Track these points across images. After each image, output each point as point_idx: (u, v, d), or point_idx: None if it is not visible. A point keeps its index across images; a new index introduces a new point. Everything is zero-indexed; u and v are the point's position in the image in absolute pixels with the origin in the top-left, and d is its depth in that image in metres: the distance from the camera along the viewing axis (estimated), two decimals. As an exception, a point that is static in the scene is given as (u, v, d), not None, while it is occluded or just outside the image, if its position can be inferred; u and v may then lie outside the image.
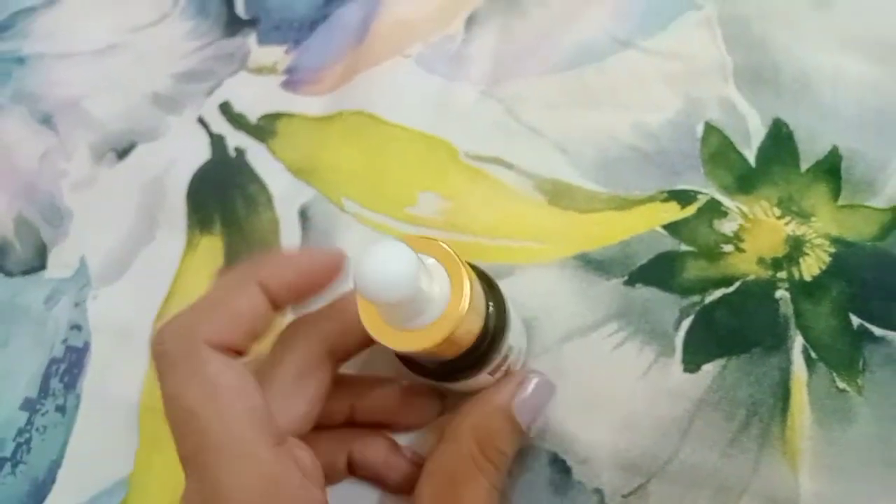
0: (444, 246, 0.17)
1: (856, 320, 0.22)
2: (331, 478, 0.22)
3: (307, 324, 0.21)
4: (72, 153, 0.33)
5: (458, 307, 0.16)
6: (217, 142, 0.31)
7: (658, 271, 0.24)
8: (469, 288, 0.17)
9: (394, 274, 0.15)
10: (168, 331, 0.19)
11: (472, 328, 0.18)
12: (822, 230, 0.23)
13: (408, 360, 0.20)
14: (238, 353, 0.19)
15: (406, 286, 0.15)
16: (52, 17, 0.38)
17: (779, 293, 0.23)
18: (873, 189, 0.24)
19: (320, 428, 0.21)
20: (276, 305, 0.20)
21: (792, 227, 0.24)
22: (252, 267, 0.20)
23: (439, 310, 0.16)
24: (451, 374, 0.20)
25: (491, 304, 0.19)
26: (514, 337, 0.21)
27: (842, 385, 0.21)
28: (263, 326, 0.20)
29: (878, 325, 0.22)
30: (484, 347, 0.19)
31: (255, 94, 0.31)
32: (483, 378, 0.20)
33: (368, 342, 0.19)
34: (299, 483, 0.17)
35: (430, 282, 0.16)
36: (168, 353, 0.18)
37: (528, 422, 0.21)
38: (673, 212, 0.25)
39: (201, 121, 0.31)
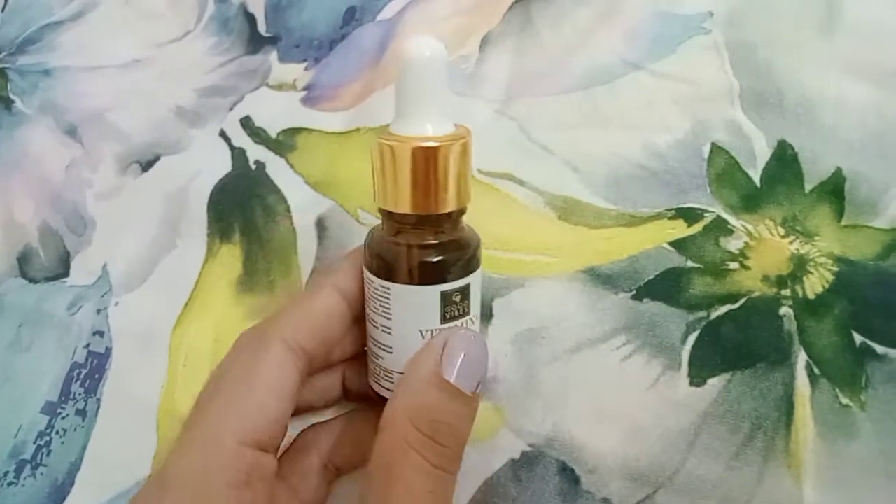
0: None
1: (858, 338, 0.23)
2: (327, 402, 0.23)
3: (264, 322, 0.22)
4: (97, 164, 0.34)
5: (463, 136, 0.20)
6: (238, 155, 0.32)
7: (665, 287, 0.24)
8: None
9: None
10: (251, 328, 0.20)
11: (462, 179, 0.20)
12: (825, 249, 0.24)
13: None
14: (310, 356, 0.20)
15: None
16: (79, 31, 0.40)
17: (783, 310, 0.23)
18: (876, 210, 0.25)
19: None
20: (354, 309, 0.21)
21: (796, 246, 0.24)
22: (329, 272, 0.21)
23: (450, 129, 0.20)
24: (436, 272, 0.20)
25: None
26: (476, 306, 0.22)
27: (844, 400, 0.22)
28: (338, 328, 0.21)
29: (881, 343, 0.22)
30: (469, 249, 0.21)
31: (275, 110, 0.32)
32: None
33: (338, 330, 0.21)
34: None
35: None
36: (239, 341, 0.20)
37: (469, 384, 0.19)
38: (680, 229, 0.25)
39: (223, 134, 0.32)
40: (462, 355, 0.19)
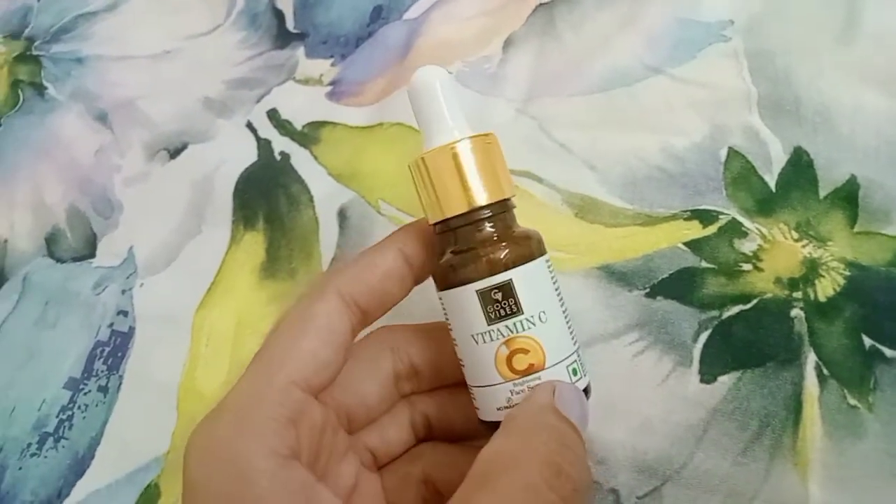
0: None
1: (868, 341, 0.23)
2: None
3: (325, 274, 0.22)
4: (125, 150, 0.35)
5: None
6: (264, 145, 0.32)
7: (679, 285, 0.25)
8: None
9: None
10: (317, 277, 0.21)
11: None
12: (837, 254, 0.24)
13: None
14: (364, 313, 0.21)
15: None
16: (112, 22, 0.41)
17: (794, 312, 0.24)
18: (889, 218, 0.25)
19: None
20: (418, 272, 0.21)
21: (809, 250, 0.25)
22: (394, 233, 0.22)
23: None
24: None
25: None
26: (533, 305, 0.20)
27: (852, 401, 0.22)
28: (396, 288, 0.21)
29: (890, 347, 0.23)
30: (500, 245, 0.20)
31: (301, 103, 0.33)
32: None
33: (397, 289, 0.21)
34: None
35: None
36: (305, 290, 0.21)
37: (581, 426, 0.19)
38: (695, 230, 0.26)
39: (250, 125, 0.33)
40: (570, 397, 0.19)
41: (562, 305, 0.21)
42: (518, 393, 0.20)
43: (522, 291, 0.20)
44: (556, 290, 0.21)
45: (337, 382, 0.21)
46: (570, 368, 0.20)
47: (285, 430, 0.18)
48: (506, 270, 0.20)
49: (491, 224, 0.21)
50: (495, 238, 0.20)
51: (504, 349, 0.20)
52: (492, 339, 0.20)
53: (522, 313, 0.20)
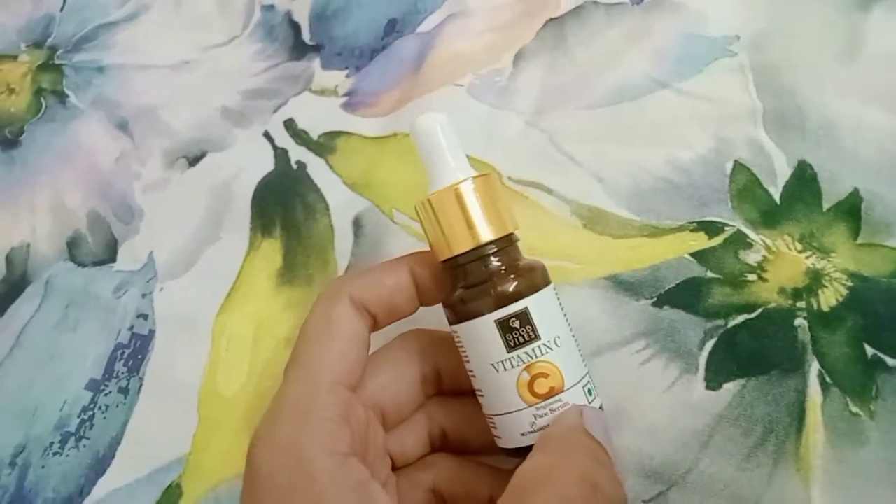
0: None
1: (870, 350, 0.24)
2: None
3: (336, 280, 0.23)
4: (146, 157, 0.36)
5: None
6: (281, 155, 0.33)
7: (685, 295, 0.26)
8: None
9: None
10: (328, 284, 0.22)
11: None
12: (840, 265, 0.25)
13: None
14: (374, 318, 0.22)
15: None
16: (132, 31, 0.42)
17: (797, 321, 0.24)
18: (891, 230, 0.26)
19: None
20: (423, 296, 0.23)
21: (812, 261, 0.25)
22: (408, 254, 0.23)
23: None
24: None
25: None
26: (550, 331, 0.21)
27: (854, 409, 0.23)
28: (404, 304, 0.22)
29: (891, 356, 0.23)
30: (512, 275, 0.21)
31: (317, 114, 0.34)
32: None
33: (405, 305, 0.22)
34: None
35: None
36: (318, 296, 0.22)
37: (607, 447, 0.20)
38: (701, 241, 0.27)
39: (267, 135, 0.34)
40: (598, 421, 0.21)
41: (570, 330, 0.22)
42: (541, 416, 0.21)
43: (538, 318, 0.21)
44: (565, 315, 0.22)
45: (372, 382, 0.22)
46: (586, 388, 0.22)
47: (340, 428, 0.19)
48: (520, 299, 0.21)
49: (497, 258, 0.22)
50: (503, 270, 0.21)
51: (525, 374, 0.21)
52: (512, 367, 0.21)
53: (540, 339, 0.21)
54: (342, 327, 0.21)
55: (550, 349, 0.21)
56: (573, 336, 0.22)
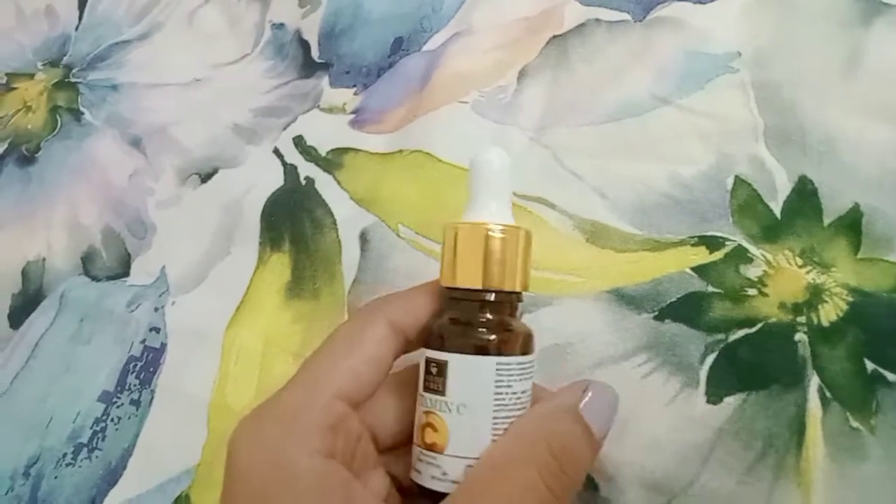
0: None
1: (870, 365, 0.24)
2: None
3: (377, 300, 0.24)
4: (159, 174, 0.37)
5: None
6: (290, 171, 0.34)
7: (686, 309, 0.26)
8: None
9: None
10: (369, 303, 0.23)
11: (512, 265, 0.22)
12: (841, 280, 0.25)
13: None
14: (408, 341, 0.22)
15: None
16: (145, 50, 0.43)
17: (798, 336, 0.25)
18: (891, 245, 0.26)
19: None
20: None
21: (813, 276, 0.26)
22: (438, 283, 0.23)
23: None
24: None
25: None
26: (460, 394, 0.21)
27: (855, 424, 0.23)
28: None
29: (892, 371, 0.23)
30: (459, 328, 0.21)
31: (325, 130, 0.35)
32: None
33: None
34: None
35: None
36: (355, 313, 0.23)
37: (599, 429, 0.21)
38: (702, 255, 0.27)
39: (276, 151, 0.35)
40: (599, 400, 0.21)
41: (498, 413, 0.21)
42: (420, 461, 0.21)
43: (454, 377, 0.21)
44: (501, 397, 0.21)
45: (371, 404, 0.22)
46: (469, 468, 0.20)
47: (327, 434, 0.20)
48: (450, 352, 0.21)
49: (489, 310, 0.22)
50: (482, 322, 0.21)
51: (423, 417, 0.21)
52: (420, 404, 0.21)
53: (443, 395, 0.21)
54: (366, 346, 0.21)
55: (449, 411, 0.20)
56: (497, 423, 0.21)
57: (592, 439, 0.21)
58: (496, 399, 0.21)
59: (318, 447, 0.19)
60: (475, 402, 0.20)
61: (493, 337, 0.21)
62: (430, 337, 0.22)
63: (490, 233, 0.21)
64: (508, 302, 0.22)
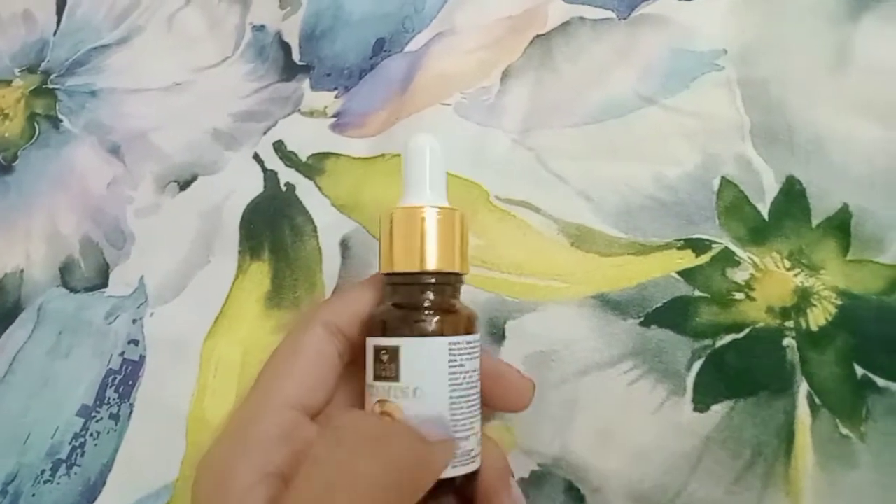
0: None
1: (860, 370, 0.23)
2: None
3: (312, 306, 0.24)
4: (138, 182, 0.36)
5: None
6: (270, 177, 0.33)
7: (672, 314, 0.25)
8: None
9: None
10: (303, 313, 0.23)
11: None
12: (830, 283, 0.25)
13: None
14: (349, 340, 0.22)
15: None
16: (124, 55, 0.42)
17: (786, 341, 0.24)
18: (881, 246, 0.25)
19: None
20: None
21: (801, 279, 0.25)
22: (379, 273, 0.23)
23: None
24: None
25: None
26: (415, 379, 0.21)
27: (845, 431, 0.23)
28: None
29: (882, 376, 0.23)
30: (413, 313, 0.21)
31: (306, 135, 0.34)
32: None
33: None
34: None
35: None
36: (291, 324, 0.23)
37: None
38: (688, 259, 0.26)
39: (257, 157, 0.34)
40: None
41: (453, 393, 0.21)
42: None
43: (408, 363, 0.20)
44: (455, 377, 0.21)
45: (330, 405, 0.22)
46: None
47: (275, 447, 0.19)
48: (398, 337, 0.21)
49: (431, 291, 0.22)
50: (427, 304, 0.22)
51: (377, 408, 0.21)
52: (371, 395, 0.21)
53: (398, 381, 0.20)
54: (308, 353, 0.21)
55: (406, 396, 0.20)
56: (454, 403, 0.21)
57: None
58: (451, 379, 0.21)
59: (261, 464, 0.19)
60: (430, 384, 0.20)
61: (441, 318, 0.21)
62: (372, 325, 0.22)
63: (425, 216, 0.21)
64: (449, 284, 0.22)
